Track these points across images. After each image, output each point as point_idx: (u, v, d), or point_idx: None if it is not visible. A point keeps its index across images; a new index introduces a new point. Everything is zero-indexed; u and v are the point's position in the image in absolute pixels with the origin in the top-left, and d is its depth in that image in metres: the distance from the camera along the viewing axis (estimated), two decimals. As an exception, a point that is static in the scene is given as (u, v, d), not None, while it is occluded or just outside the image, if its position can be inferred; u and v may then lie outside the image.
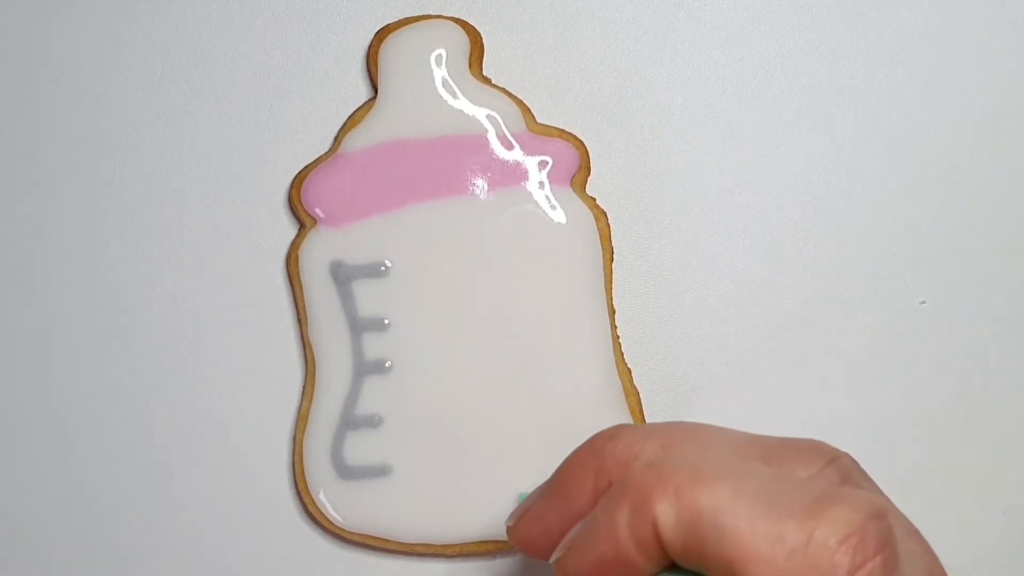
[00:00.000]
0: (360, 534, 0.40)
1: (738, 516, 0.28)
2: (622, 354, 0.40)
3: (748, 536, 0.28)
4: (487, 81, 0.40)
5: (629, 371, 0.40)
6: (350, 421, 0.39)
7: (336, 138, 0.40)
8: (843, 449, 0.31)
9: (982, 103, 0.41)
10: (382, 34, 0.40)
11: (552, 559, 0.31)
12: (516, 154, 0.40)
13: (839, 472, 0.31)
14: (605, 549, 0.29)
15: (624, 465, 0.31)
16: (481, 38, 0.40)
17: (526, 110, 0.40)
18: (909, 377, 0.41)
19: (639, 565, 0.29)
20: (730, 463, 0.30)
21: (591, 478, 0.31)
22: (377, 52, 0.40)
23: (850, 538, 0.27)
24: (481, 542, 0.39)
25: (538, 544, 0.33)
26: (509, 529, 0.34)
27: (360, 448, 0.39)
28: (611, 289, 0.40)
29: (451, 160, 0.40)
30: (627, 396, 0.40)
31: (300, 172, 0.40)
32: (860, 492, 0.29)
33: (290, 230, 0.41)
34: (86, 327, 0.41)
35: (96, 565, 0.41)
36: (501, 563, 0.40)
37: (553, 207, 0.40)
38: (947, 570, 0.30)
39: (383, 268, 0.40)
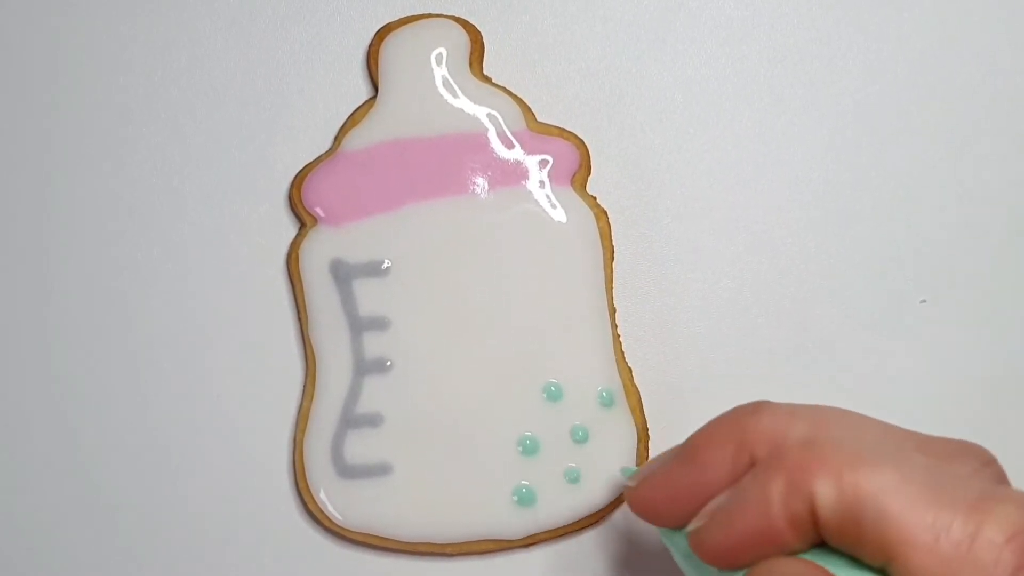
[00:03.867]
0: (360, 533, 0.40)
1: (903, 501, 0.28)
2: (622, 354, 0.40)
3: (912, 523, 0.28)
4: (487, 80, 0.40)
5: (629, 371, 0.40)
6: (350, 420, 0.39)
7: (336, 137, 0.40)
8: None
9: (982, 103, 0.41)
10: (382, 33, 0.40)
11: (690, 527, 0.31)
12: (516, 153, 0.40)
13: (993, 473, 0.31)
14: (753, 522, 0.29)
15: (770, 441, 0.30)
16: (481, 37, 0.40)
17: (526, 109, 0.40)
18: (909, 377, 0.41)
19: (787, 541, 0.29)
20: (891, 449, 0.29)
21: (731, 450, 0.31)
22: (377, 51, 0.40)
23: (1018, 536, 0.27)
24: (481, 541, 0.39)
25: (661, 509, 0.32)
26: (628, 491, 0.33)
27: (360, 447, 0.39)
28: (611, 288, 0.40)
29: (451, 159, 0.40)
30: (627, 396, 0.40)
31: (300, 171, 0.40)
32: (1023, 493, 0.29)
33: (290, 229, 0.41)
34: (86, 327, 0.41)
35: (96, 565, 0.41)
36: (501, 563, 0.40)
37: (553, 206, 0.40)
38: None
39: (383, 267, 0.40)
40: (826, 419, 0.31)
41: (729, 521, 0.30)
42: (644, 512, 0.33)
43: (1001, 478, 0.31)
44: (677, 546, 0.33)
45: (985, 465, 0.31)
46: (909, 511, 0.28)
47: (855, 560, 0.29)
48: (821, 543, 0.29)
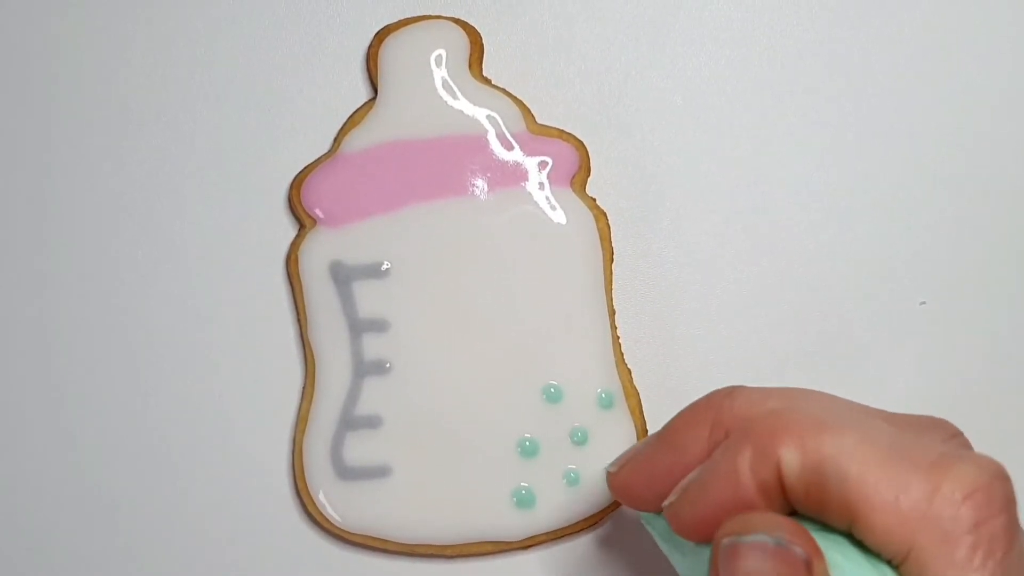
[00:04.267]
0: (360, 534, 0.40)
1: (864, 463, 0.28)
2: (622, 354, 0.40)
3: (872, 483, 0.28)
4: (487, 81, 0.40)
5: (629, 371, 0.40)
6: (350, 422, 0.40)
7: (336, 138, 0.40)
8: None
9: (982, 103, 0.41)
10: (382, 34, 0.40)
11: (665, 503, 0.31)
12: (516, 154, 0.40)
13: (961, 444, 0.31)
14: (724, 492, 0.30)
15: (743, 418, 0.31)
16: (481, 38, 0.40)
17: (526, 110, 0.40)
18: (909, 377, 0.41)
19: (759, 510, 0.29)
20: (855, 418, 0.30)
21: (707, 430, 0.31)
22: (377, 52, 0.40)
23: (975, 494, 0.28)
24: (481, 542, 0.39)
25: (640, 492, 0.33)
26: (610, 476, 0.34)
27: (360, 449, 0.39)
28: (611, 290, 0.40)
29: (451, 161, 0.40)
30: (627, 396, 0.40)
31: (300, 172, 0.40)
32: (985, 456, 0.29)
33: (290, 230, 0.41)
34: (86, 327, 0.41)
35: (96, 565, 0.41)
36: (501, 563, 0.40)
37: (553, 208, 0.40)
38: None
39: (383, 269, 0.40)
40: (797, 397, 0.31)
41: (702, 493, 0.30)
42: (624, 496, 0.33)
43: (966, 447, 0.31)
44: (657, 529, 0.33)
45: (951, 436, 0.31)
46: (869, 472, 0.28)
47: (826, 528, 0.30)
48: (792, 513, 0.30)
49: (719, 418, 0.31)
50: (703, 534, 0.30)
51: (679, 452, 0.32)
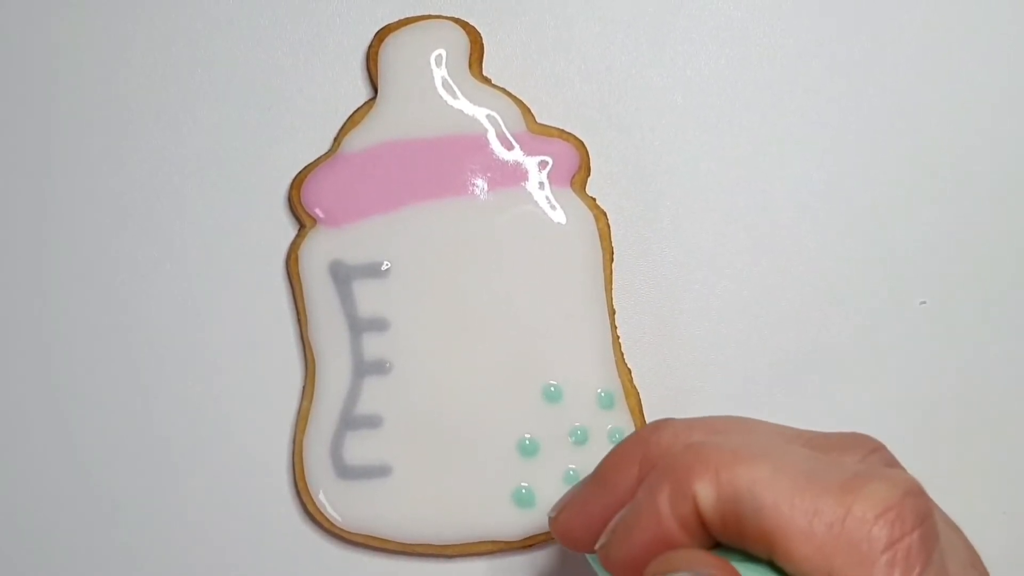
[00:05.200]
0: (360, 534, 0.40)
1: (776, 491, 0.28)
2: (622, 354, 0.40)
3: (786, 510, 0.28)
4: (487, 81, 0.40)
5: (629, 371, 0.40)
6: (350, 421, 0.40)
7: (336, 138, 0.40)
8: None
9: (982, 102, 0.41)
10: (382, 34, 0.40)
11: (597, 546, 0.31)
12: (516, 154, 0.40)
13: (882, 460, 0.31)
14: (648, 531, 0.30)
15: (666, 454, 0.31)
16: (481, 38, 0.40)
17: (526, 110, 0.40)
18: (909, 377, 0.41)
19: (683, 546, 0.29)
20: (771, 445, 0.30)
21: (635, 467, 0.31)
22: (377, 52, 0.40)
23: (888, 512, 0.28)
24: (481, 542, 0.39)
25: (579, 535, 0.33)
26: (551, 520, 0.34)
27: (360, 448, 0.39)
28: (611, 289, 0.40)
29: (451, 160, 0.40)
30: (627, 396, 0.40)
31: (300, 172, 0.40)
32: (899, 471, 0.29)
33: (290, 230, 0.41)
34: (86, 327, 0.41)
35: (96, 564, 0.41)
36: (501, 563, 0.40)
37: (553, 207, 0.40)
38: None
39: (383, 268, 0.40)
40: (720, 427, 0.31)
41: (628, 533, 0.30)
42: (565, 539, 0.33)
43: (889, 463, 0.31)
44: (599, 570, 0.33)
45: (872, 452, 0.31)
46: (783, 499, 0.28)
47: (750, 558, 0.30)
48: (718, 545, 0.30)
49: (647, 453, 0.31)
50: (634, 574, 0.30)
51: (611, 492, 0.32)
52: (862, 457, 0.31)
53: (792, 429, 0.32)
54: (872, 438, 0.31)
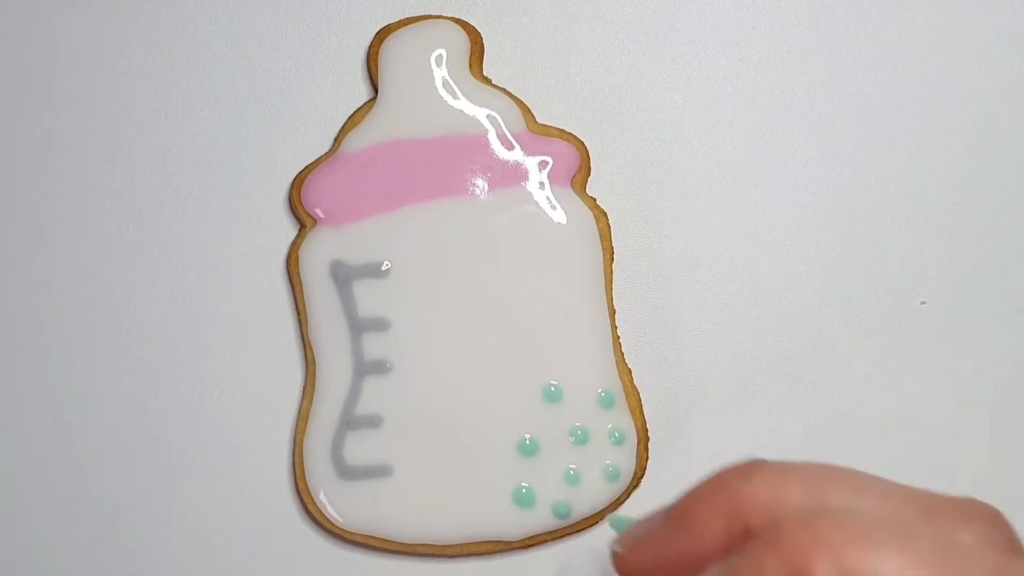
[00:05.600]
0: (360, 534, 0.40)
1: None
2: (622, 354, 0.40)
3: None
4: (487, 81, 0.40)
5: (629, 371, 0.40)
6: (350, 421, 0.40)
7: (336, 138, 0.40)
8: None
9: (982, 103, 0.41)
10: (382, 34, 0.40)
11: None
12: (516, 154, 0.40)
13: (1004, 537, 0.29)
14: None
15: (765, 510, 0.29)
16: (481, 38, 0.40)
17: (526, 110, 0.40)
18: (909, 377, 0.41)
19: None
20: (893, 523, 0.28)
21: (723, 519, 0.29)
22: (377, 52, 0.40)
23: None
24: (481, 542, 0.39)
25: None
26: (617, 557, 0.32)
27: (360, 448, 0.39)
28: (611, 289, 0.40)
29: (451, 160, 0.40)
30: (627, 396, 0.40)
31: (300, 172, 0.40)
32: None
33: (290, 230, 0.41)
34: (86, 327, 0.41)
35: (96, 565, 0.41)
36: (501, 563, 0.40)
37: (553, 207, 0.40)
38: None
39: (383, 268, 0.40)
40: (822, 481, 0.29)
41: None
42: None
43: (1011, 539, 0.30)
44: None
45: (993, 526, 0.29)
46: None
47: None
48: None
49: (738, 506, 0.29)
50: None
51: (693, 539, 0.30)
52: (984, 535, 0.29)
53: (901, 488, 0.29)
54: (991, 507, 0.30)
